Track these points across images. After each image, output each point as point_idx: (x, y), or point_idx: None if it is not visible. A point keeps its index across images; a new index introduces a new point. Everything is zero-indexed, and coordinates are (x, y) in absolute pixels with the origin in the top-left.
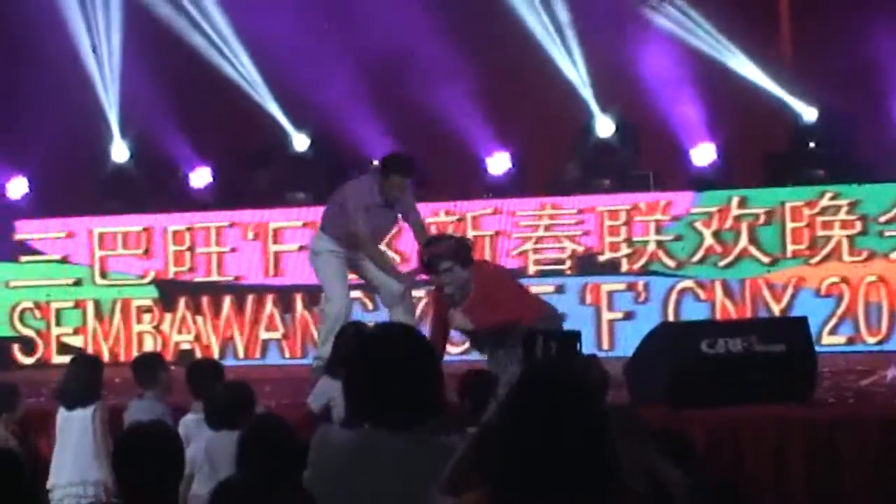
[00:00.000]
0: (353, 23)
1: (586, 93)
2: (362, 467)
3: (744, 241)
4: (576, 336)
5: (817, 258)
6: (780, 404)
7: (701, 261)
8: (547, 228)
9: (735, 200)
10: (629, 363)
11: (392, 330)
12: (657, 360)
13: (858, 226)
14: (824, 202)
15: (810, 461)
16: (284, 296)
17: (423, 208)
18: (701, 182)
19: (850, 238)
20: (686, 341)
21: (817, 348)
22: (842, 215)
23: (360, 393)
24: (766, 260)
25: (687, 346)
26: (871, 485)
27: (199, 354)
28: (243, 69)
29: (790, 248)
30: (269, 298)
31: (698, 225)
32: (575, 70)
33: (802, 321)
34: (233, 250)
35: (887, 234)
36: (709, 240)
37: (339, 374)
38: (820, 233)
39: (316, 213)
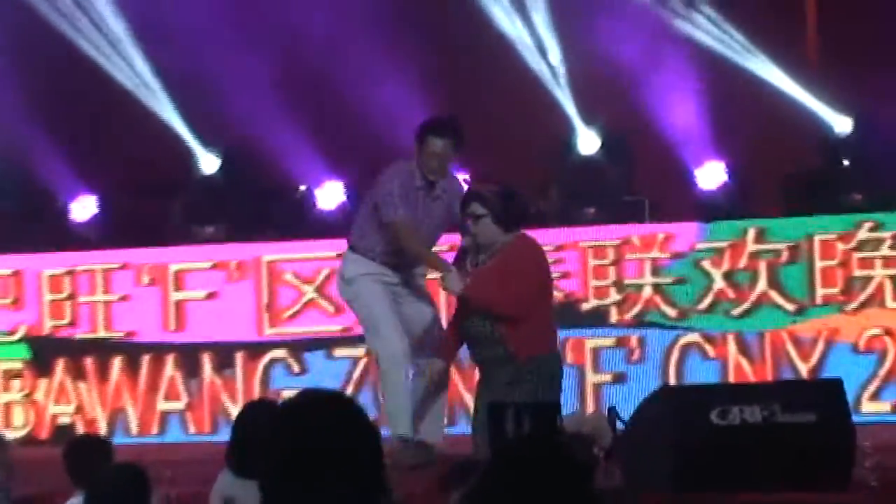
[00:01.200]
0: (271, 15)
1: (565, 99)
2: None
3: (763, 284)
4: (554, 408)
5: (854, 304)
6: (810, 490)
7: (709, 309)
8: None
9: (751, 233)
10: (621, 437)
11: (317, 399)
12: (656, 433)
13: None
14: (862, 234)
15: None
16: (189, 356)
17: None
18: (709, 210)
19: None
20: (692, 410)
21: (855, 417)
22: (884, 250)
23: (276, 491)
24: (790, 307)
25: (693, 416)
26: None
27: (81, 430)
28: (137, 75)
29: (820, 292)
30: (170, 359)
31: (706, 264)
32: (550, 71)
33: (836, 384)
34: (124, 299)
35: None
36: (719, 282)
37: (241, 466)
38: (857, 273)
39: (229, 251)
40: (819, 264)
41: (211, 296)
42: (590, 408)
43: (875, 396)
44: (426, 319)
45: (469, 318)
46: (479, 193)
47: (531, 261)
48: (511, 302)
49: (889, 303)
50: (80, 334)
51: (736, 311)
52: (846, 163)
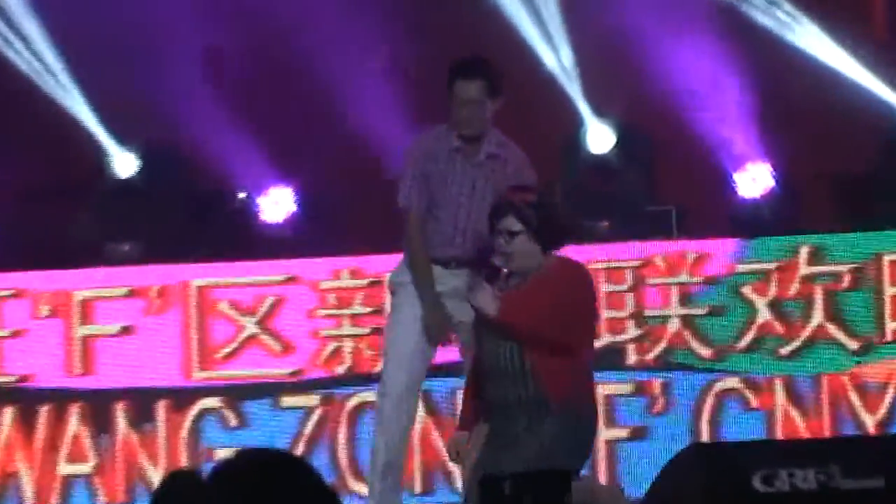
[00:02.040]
0: None
1: (572, 87)
2: None
3: (819, 315)
4: (564, 478)
5: None
6: None
7: (752, 347)
8: None
9: (804, 252)
10: (646, 499)
11: (259, 462)
12: (686, 501)
13: None
14: None
15: None
16: (99, 406)
17: (316, 266)
18: (751, 223)
19: None
20: (729, 473)
21: None
22: None
23: None
24: (853, 345)
25: (731, 480)
26: None
27: None
28: (37, 57)
29: (891, 326)
30: (75, 410)
31: (747, 291)
32: (554, 54)
33: None
34: (17, 335)
35: None
36: (764, 314)
37: None
38: None
39: (150, 275)
40: (890, 291)
41: (126, 331)
42: (602, 473)
43: None
44: None
45: (496, 348)
46: (514, 204)
47: (581, 288)
48: (557, 331)
49: None
50: None
51: (785, 350)
52: None
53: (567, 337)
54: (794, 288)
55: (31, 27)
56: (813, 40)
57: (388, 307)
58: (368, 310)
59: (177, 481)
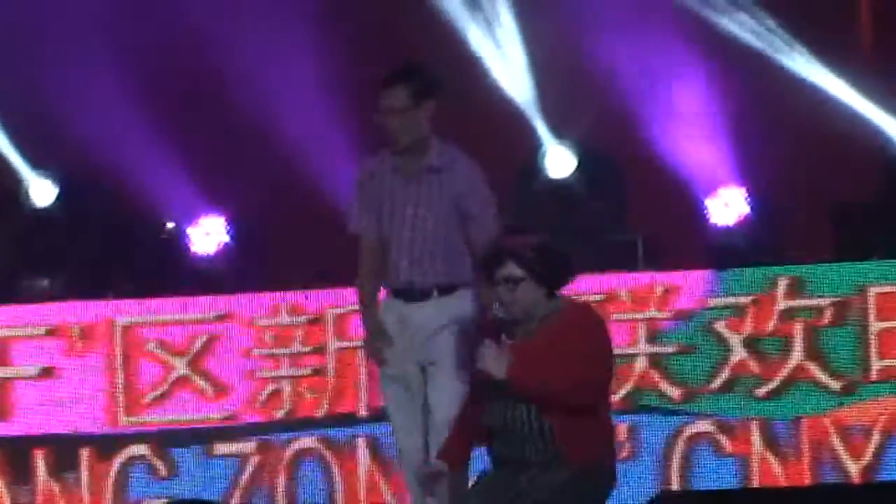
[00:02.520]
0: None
1: (530, 108)
2: None
3: (798, 353)
4: None
5: None
6: None
7: (725, 388)
8: None
9: (783, 285)
10: None
11: None
12: None
13: None
14: None
15: None
16: (16, 454)
17: (251, 302)
18: (725, 253)
19: None
20: None
21: None
22: None
23: None
24: (836, 386)
25: None
26: None
27: None
28: None
29: (877, 364)
30: None
31: (720, 327)
32: (511, 74)
33: None
34: None
35: None
36: (739, 352)
37: None
38: None
39: (71, 312)
40: (875, 326)
41: (46, 373)
42: None
43: None
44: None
45: (506, 409)
46: (513, 250)
47: (596, 337)
48: (579, 388)
49: None
50: None
51: (762, 391)
52: None
53: (585, 393)
54: (771, 324)
55: None
56: (795, 59)
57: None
58: (309, 349)
59: None
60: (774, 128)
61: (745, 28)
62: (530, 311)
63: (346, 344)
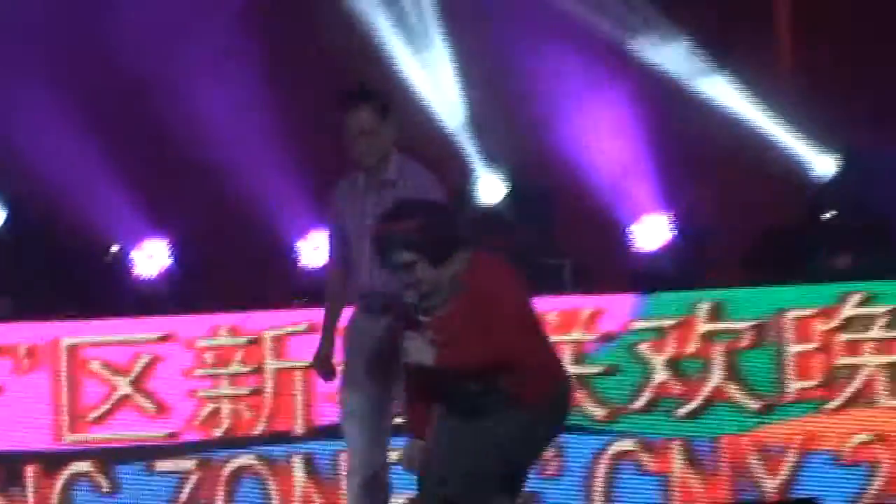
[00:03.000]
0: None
1: (462, 136)
2: None
3: (718, 374)
4: None
5: (837, 402)
6: None
7: (648, 408)
8: None
9: (703, 308)
10: None
11: None
12: None
13: None
14: (849, 310)
15: None
16: None
17: (192, 323)
18: (648, 278)
19: (893, 368)
20: None
21: None
22: (877, 331)
23: None
24: (754, 406)
25: None
26: None
27: None
28: None
29: (793, 385)
30: None
31: (643, 348)
32: (444, 102)
33: None
34: None
35: None
36: (661, 373)
37: None
38: (842, 360)
39: (17, 333)
40: (793, 349)
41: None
42: None
43: None
44: None
45: (452, 384)
46: (399, 238)
47: (505, 289)
48: (504, 346)
49: (882, 400)
50: None
51: (683, 411)
52: (828, 215)
53: (511, 348)
54: (692, 346)
55: None
56: (714, 87)
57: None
58: (247, 369)
59: None
60: (697, 154)
61: (667, 55)
62: (436, 285)
63: (283, 364)
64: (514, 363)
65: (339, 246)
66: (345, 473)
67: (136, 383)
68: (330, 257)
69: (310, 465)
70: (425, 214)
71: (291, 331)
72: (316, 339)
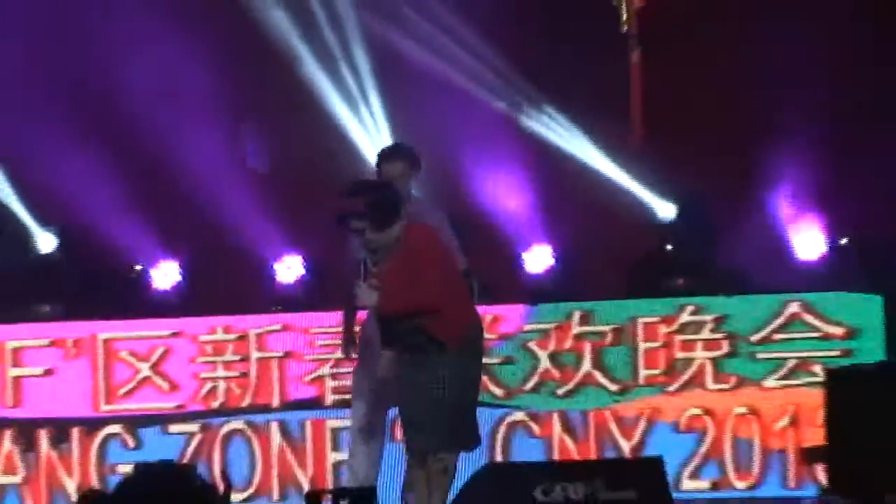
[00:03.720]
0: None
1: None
2: None
3: (587, 364)
4: (370, 493)
5: (675, 386)
6: None
7: (535, 388)
8: None
9: (577, 316)
10: None
11: (152, 471)
12: None
13: (725, 346)
14: (684, 318)
15: None
16: (27, 431)
17: (196, 324)
18: (536, 293)
19: (715, 361)
20: (517, 487)
21: (675, 495)
22: (705, 333)
23: None
24: (614, 388)
25: (518, 492)
26: None
27: None
28: None
29: (643, 373)
30: (7, 434)
31: (532, 345)
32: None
33: (657, 462)
34: None
35: (760, 356)
36: (545, 363)
37: None
38: (679, 355)
39: (66, 329)
40: (642, 346)
41: (48, 372)
42: None
43: (695, 475)
44: None
45: (390, 325)
46: (352, 214)
47: (431, 249)
48: (428, 296)
49: (709, 384)
50: None
51: (561, 391)
52: (670, 247)
53: (434, 294)
54: (568, 343)
55: None
56: (586, 151)
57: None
58: (237, 357)
59: (87, 500)
60: (573, 200)
61: (547, 123)
62: (380, 245)
63: (263, 354)
64: (435, 307)
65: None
66: (310, 438)
67: (154, 367)
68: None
69: (284, 429)
70: (373, 192)
71: (270, 330)
72: (288, 335)
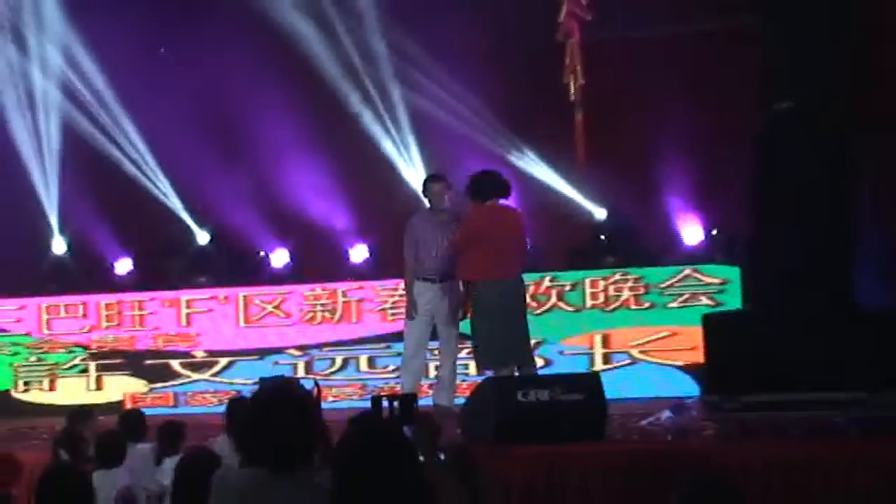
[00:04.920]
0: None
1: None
2: (255, 502)
3: (553, 299)
4: (412, 398)
5: (611, 308)
6: (579, 441)
7: None
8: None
9: (547, 279)
10: (462, 410)
11: (274, 387)
12: (485, 406)
13: (643, 289)
14: (615, 278)
15: (606, 485)
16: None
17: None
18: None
19: (637, 296)
20: (506, 392)
21: (609, 396)
22: (630, 284)
23: (251, 440)
24: (570, 309)
25: (506, 396)
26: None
27: None
28: (159, 182)
29: (589, 302)
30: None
31: None
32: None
33: (596, 376)
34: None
35: (667, 293)
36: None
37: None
38: (612, 293)
39: (216, 291)
40: (589, 290)
41: (208, 310)
42: None
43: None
44: None
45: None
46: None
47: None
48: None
49: (632, 306)
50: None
51: (537, 311)
52: (602, 237)
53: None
54: (542, 290)
55: (152, 161)
56: (541, 169)
57: None
58: (329, 302)
59: (235, 402)
60: (534, 205)
61: (520, 157)
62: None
63: (346, 299)
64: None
65: (415, 248)
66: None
67: (277, 306)
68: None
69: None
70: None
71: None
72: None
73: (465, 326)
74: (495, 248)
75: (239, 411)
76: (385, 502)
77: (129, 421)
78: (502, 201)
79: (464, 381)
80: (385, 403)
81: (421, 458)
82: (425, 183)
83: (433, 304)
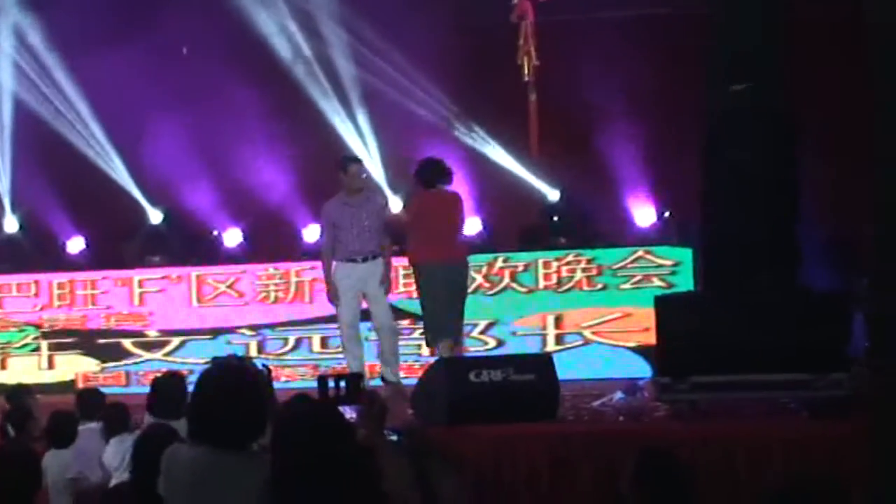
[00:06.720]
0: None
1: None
2: (204, 480)
3: (506, 280)
4: (360, 377)
5: (563, 289)
6: (532, 421)
7: (473, 291)
8: None
9: (500, 259)
10: (414, 391)
11: (223, 365)
12: (438, 387)
13: (595, 270)
14: (567, 259)
15: (558, 466)
16: None
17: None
18: (472, 247)
19: (589, 277)
20: (458, 372)
21: (561, 377)
22: (582, 265)
23: (201, 418)
24: (522, 290)
25: (458, 376)
26: (605, 485)
27: None
28: (111, 161)
29: (542, 283)
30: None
31: (473, 273)
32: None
33: (549, 357)
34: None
35: (620, 274)
36: (479, 280)
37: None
38: (565, 275)
39: (169, 271)
40: (542, 272)
41: (160, 291)
42: None
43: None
44: None
45: None
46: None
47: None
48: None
49: (585, 288)
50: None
51: (489, 293)
52: (555, 219)
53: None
54: (494, 271)
55: (108, 145)
56: (498, 153)
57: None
58: (282, 282)
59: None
60: (493, 188)
61: (474, 139)
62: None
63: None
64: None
65: (332, 232)
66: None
67: (230, 286)
68: (327, 241)
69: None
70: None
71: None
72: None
73: (416, 307)
74: (438, 231)
75: (167, 388)
76: (319, 482)
77: (87, 400)
78: (447, 187)
79: (417, 361)
80: (331, 384)
81: (366, 437)
82: (343, 163)
83: (361, 282)
